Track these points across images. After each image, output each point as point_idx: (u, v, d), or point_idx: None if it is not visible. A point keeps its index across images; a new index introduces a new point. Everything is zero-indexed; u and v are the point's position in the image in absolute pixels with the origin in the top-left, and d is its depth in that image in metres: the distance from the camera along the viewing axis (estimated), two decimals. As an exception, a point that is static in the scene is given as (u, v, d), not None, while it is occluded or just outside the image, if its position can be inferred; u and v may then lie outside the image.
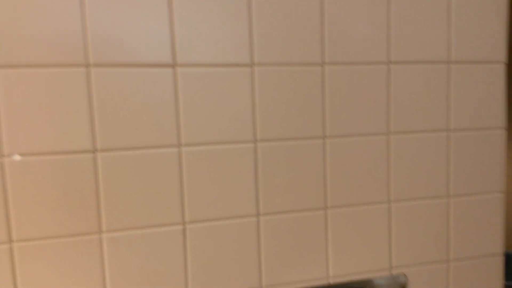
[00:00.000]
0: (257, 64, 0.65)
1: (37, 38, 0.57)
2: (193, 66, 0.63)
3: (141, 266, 0.63)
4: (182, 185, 0.63)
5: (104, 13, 0.59)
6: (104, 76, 0.60)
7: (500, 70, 0.75)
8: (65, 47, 0.58)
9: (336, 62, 0.68)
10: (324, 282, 0.71)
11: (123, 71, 0.60)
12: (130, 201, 0.62)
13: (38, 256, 0.60)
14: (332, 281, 0.71)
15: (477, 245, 0.77)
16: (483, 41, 0.74)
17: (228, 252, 0.66)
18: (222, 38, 0.63)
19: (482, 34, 0.74)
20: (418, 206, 0.73)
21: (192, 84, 0.63)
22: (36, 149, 0.58)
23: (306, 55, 0.67)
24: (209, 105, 0.64)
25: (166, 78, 0.62)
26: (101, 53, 0.59)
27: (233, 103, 0.64)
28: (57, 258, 0.60)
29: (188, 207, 0.64)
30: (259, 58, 0.65)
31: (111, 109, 0.60)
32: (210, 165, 0.64)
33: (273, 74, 0.66)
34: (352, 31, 0.68)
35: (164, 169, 0.63)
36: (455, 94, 0.73)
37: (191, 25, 0.62)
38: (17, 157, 0.58)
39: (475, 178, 0.75)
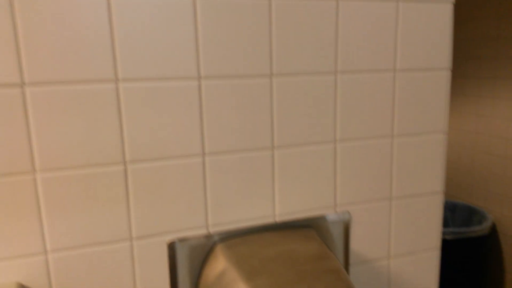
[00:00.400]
0: (200, -5, 0.61)
1: None
2: (129, -6, 0.58)
3: (81, 208, 0.61)
4: (121, 123, 0.61)
5: None
6: (28, 2, 0.55)
7: (448, 10, 0.75)
8: (-18, -32, 0.52)
9: (284, -4, 0.65)
10: (270, 220, 0.71)
11: (51, -3, 0.55)
12: (65, 138, 0.59)
13: (-35, 196, 0.56)
14: (278, 219, 0.72)
15: (419, 184, 0.79)
16: (433, -21, 0.73)
17: (173, 192, 0.65)
18: (160, -36, 0.59)
19: (431, -28, 0.73)
20: (363, 146, 0.74)
21: (128, 13, 0.59)
22: (-46, 82, 0.54)
23: (252, -12, 0.64)
24: (147, 36, 0.60)
25: (99, 4, 0.57)
26: (24, -24, 0.54)
27: (174, 36, 0.61)
28: (-13, 198, 0.57)
29: (128, 145, 0.62)
30: (201, -11, 0.61)
31: (38, 39, 0.56)
32: (151, 102, 0.62)
33: (217, 6, 0.62)
34: (300, -38, 0.65)
35: (100, 106, 0.59)
36: (402, 34, 0.73)
37: None
38: None
39: (419, 119, 0.77)
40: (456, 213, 2.44)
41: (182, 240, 0.67)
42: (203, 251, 0.69)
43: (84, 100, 0.58)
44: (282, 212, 0.72)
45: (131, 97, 0.60)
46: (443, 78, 0.77)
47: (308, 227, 0.73)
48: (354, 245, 0.77)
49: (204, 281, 0.67)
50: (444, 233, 2.06)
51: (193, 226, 0.67)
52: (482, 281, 2.34)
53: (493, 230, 2.30)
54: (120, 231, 0.63)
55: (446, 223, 2.48)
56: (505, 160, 2.22)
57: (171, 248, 0.66)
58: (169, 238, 0.66)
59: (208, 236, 0.68)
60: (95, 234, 0.62)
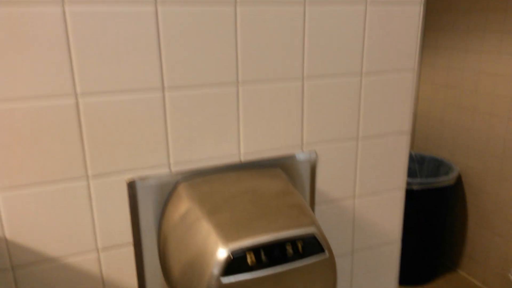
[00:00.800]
0: None
1: None
2: None
3: (31, 143, 0.57)
4: (69, 50, 0.56)
5: None
6: None
7: None
8: None
9: None
10: (235, 159, 0.70)
11: None
12: (7, 66, 0.54)
13: None
14: (243, 158, 0.70)
15: (386, 123, 0.78)
16: None
17: (131, 128, 0.62)
18: None
19: None
20: (331, 84, 0.72)
21: None
22: None
23: None
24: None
25: None
26: None
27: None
28: None
29: (79, 75, 0.57)
30: None
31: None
32: (101, 27, 0.56)
33: None
34: None
35: (46, 30, 0.54)
36: (375, -37, 0.69)
37: None
38: None
39: (389, 55, 0.74)
40: (424, 165, 2.51)
41: (143, 178, 0.64)
42: (166, 190, 0.66)
43: (27, 24, 0.53)
44: (247, 151, 0.70)
45: (79, 22, 0.55)
46: (415, 12, 0.74)
47: (274, 166, 0.72)
48: (320, 184, 0.76)
49: (168, 221, 0.66)
50: (411, 184, 2.12)
51: (154, 165, 0.65)
52: (447, 228, 2.45)
53: (459, 181, 2.38)
54: (74, 169, 0.60)
55: (413, 174, 2.54)
56: (474, 113, 2.27)
57: (131, 187, 0.64)
58: (129, 176, 0.64)
59: (171, 175, 0.66)
60: (48, 172, 0.59)
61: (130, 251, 0.66)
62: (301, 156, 0.73)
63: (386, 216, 0.83)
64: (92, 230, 0.63)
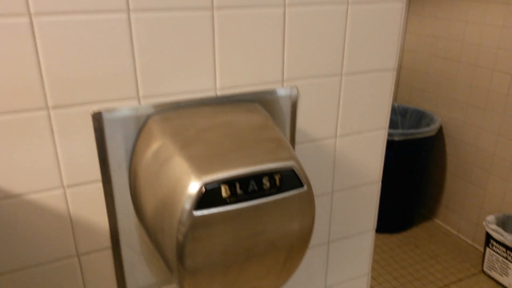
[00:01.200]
0: None
1: None
2: None
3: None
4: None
5: None
6: None
7: None
8: None
9: None
10: (211, 93, 0.65)
11: None
12: None
13: None
14: (219, 92, 0.65)
15: (372, 59, 0.74)
16: None
17: (92, 53, 0.56)
18: None
19: None
20: (315, 12, 0.67)
21: None
22: None
23: None
24: None
25: None
26: None
27: None
28: None
29: (31, -10, 0.50)
30: None
31: None
32: None
33: None
34: None
35: None
36: None
37: None
38: None
39: (377, -17, 0.69)
40: (406, 117, 2.50)
41: (109, 110, 0.59)
42: (136, 124, 0.62)
43: None
44: (223, 85, 0.65)
45: None
46: None
47: (252, 101, 0.68)
48: (300, 122, 0.73)
49: (139, 157, 0.62)
50: (393, 135, 2.11)
51: (122, 97, 0.60)
52: (425, 178, 2.49)
53: (440, 132, 2.39)
54: (32, 98, 0.55)
55: (395, 126, 2.54)
56: (458, 64, 2.24)
57: (97, 120, 0.59)
58: (94, 108, 0.59)
59: (140, 108, 0.61)
60: (1, 101, 0.53)
61: (99, 188, 0.62)
62: (281, 91, 0.69)
63: (368, 156, 0.81)
64: (56, 165, 0.59)
